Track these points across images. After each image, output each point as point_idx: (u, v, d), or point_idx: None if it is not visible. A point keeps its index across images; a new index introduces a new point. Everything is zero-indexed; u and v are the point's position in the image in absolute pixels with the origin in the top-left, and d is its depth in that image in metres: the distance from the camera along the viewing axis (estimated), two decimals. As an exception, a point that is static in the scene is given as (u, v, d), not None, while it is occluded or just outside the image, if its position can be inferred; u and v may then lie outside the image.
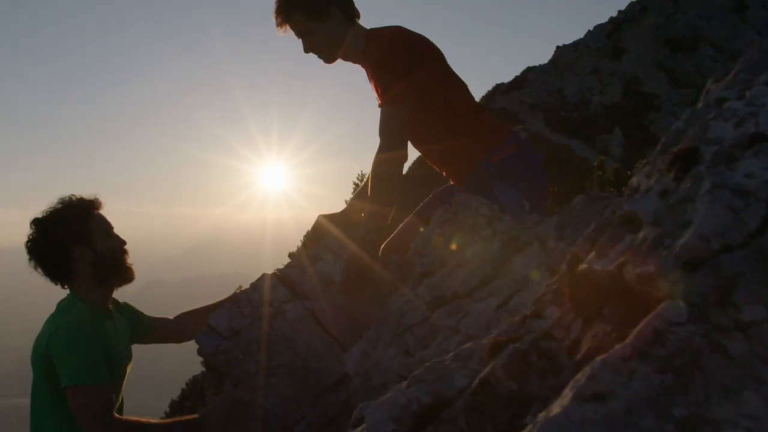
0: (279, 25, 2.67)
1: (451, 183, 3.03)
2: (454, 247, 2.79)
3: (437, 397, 0.66)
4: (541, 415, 0.48)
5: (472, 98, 2.97)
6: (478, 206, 2.37)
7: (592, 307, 0.59)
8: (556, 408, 0.46)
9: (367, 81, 2.99)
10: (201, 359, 2.65)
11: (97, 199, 2.55)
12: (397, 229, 3.01)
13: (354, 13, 2.71)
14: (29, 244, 2.44)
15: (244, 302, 2.73)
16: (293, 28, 2.67)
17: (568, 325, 0.63)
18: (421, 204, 3.08)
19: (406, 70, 2.57)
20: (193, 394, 12.74)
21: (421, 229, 3.00)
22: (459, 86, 2.81)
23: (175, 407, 13.54)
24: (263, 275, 2.78)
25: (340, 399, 2.53)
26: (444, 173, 3.03)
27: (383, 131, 2.60)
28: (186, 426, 2.38)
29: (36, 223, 2.44)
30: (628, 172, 6.53)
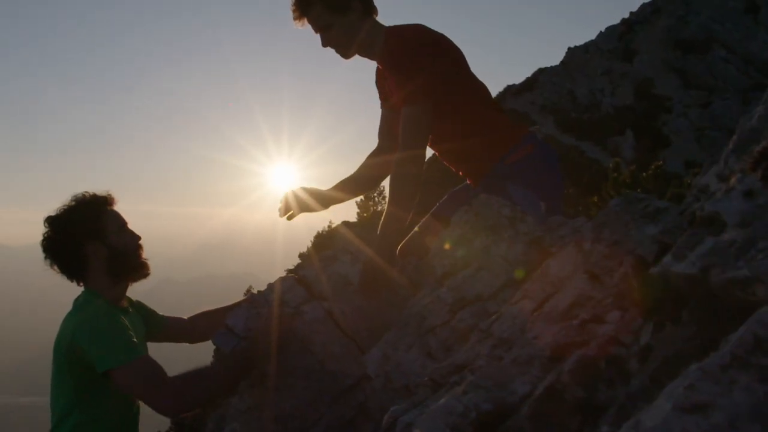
0: (297, 18, 2.63)
1: (467, 183, 3.02)
2: (447, 246, 2.79)
3: (498, 404, 0.64)
4: (629, 425, 0.46)
5: (490, 98, 2.95)
6: (499, 207, 2.34)
7: (665, 311, 0.57)
8: (650, 419, 0.44)
9: (377, 78, 2.98)
10: (210, 358, 2.64)
11: (110, 195, 2.55)
12: (413, 231, 2.99)
13: (373, 9, 2.69)
14: (44, 242, 2.44)
15: (261, 303, 2.71)
16: (311, 22, 2.63)
17: (636, 330, 0.60)
18: (437, 204, 3.06)
19: (421, 69, 2.54)
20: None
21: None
22: (475, 86, 2.79)
23: (185, 407, 13.58)
24: (281, 277, 2.76)
25: (358, 401, 2.51)
26: (460, 173, 3.01)
27: (404, 131, 2.58)
28: (234, 361, 2.37)
29: (50, 221, 2.44)
30: (644, 174, 6.49)
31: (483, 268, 2.11)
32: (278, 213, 3.01)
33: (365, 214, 18.42)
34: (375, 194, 18.84)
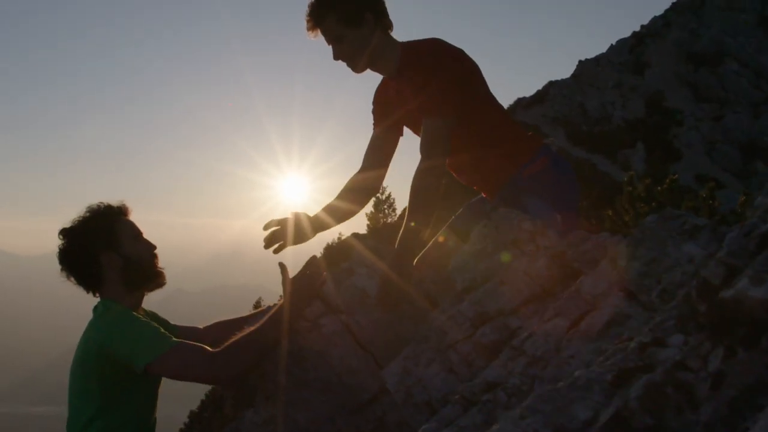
0: (310, 29, 2.62)
1: (482, 196, 3.00)
2: (441, 239, 2.77)
3: (558, 430, 0.62)
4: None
5: (505, 112, 2.95)
6: (519, 221, 2.33)
7: (736, 336, 0.55)
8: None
9: (378, 95, 2.94)
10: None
11: (123, 205, 2.56)
12: (430, 243, 2.97)
13: (388, 24, 2.68)
14: (59, 253, 2.46)
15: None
16: (324, 33, 2.62)
17: (704, 356, 0.59)
18: (453, 217, 3.05)
19: (443, 81, 2.54)
20: (212, 404, 12.80)
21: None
22: (492, 100, 2.79)
23: (194, 417, 13.61)
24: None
25: (376, 415, 2.49)
26: (474, 187, 3.00)
27: (426, 142, 2.57)
28: (273, 319, 2.44)
29: (64, 232, 2.45)
30: (659, 188, 6.45)
31: (504, 283, 2.08)
32: (263, 243, 2.74)
33: (371, 224, 18.47)
34: (385, 206, 18.88)
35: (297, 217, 2.76)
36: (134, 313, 2.42)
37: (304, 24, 2.64)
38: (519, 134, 2.85)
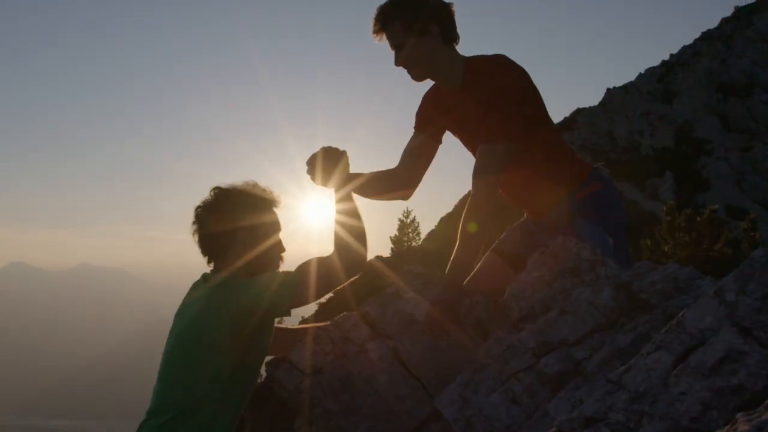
0: (376, 32, 2.60)
1: (526, 217, 2.97)
2: (488, 262, 2.70)
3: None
4: None
5: (560, 134, 2.93)
6: (579, 249, 2.29)
7: None
8: None
9: (429, 103, 2.92)
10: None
11: (278, 197, 2.53)
12: (477, 267, 2.93)
13: (453, 37, 2.66)
14: (204, 206, 2.40)
15: (324, 339, 2.67)
16: (389, 38, 2.60)
17: None
18: (497, 241, 3.01)
19: (514, 106, 2.52)
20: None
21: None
22: (549, 122, 2.77)
23: None
24: (345, 314, 2.72)
25: (424, 443, 2.45)
26: (520, 206, 2.97)
27: (485, 164, 2.54)
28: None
29: (218, 191, 2.41)
30: (698, 219, 6.35)
31: (567, 312, 2.04)
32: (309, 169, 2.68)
33: (395, 247, 18.39)
34: (409, 230, 18.79)
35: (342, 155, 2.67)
36: None
37: (371, 26, 2.64)
38: (571, 157, 2.82)
